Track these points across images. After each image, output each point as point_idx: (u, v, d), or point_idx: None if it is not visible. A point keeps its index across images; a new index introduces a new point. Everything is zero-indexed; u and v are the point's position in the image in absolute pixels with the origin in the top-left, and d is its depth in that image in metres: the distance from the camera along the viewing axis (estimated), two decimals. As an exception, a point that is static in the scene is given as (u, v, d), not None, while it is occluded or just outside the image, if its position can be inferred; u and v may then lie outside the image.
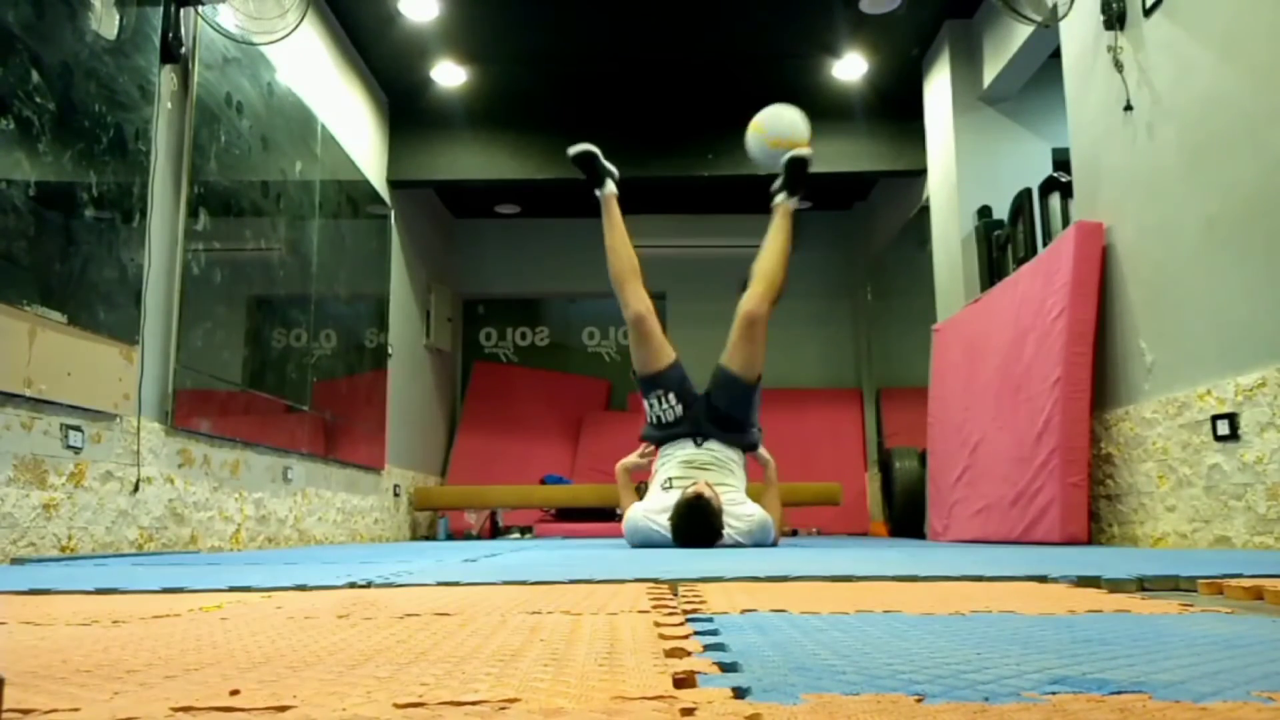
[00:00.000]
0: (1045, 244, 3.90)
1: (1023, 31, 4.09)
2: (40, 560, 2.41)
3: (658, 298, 7.36)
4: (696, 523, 3.00)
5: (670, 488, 3.23)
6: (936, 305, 5.02)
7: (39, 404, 2.44)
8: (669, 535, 3.10)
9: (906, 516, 5.10)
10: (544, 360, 7.59)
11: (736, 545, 3.09)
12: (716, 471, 3.27)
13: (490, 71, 5.28)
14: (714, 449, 3.32)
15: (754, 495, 3.33)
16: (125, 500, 2.85)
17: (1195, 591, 1.24)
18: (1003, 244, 4.33)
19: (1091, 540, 3.22)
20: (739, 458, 3.37)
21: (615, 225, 3.52)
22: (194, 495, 3.24)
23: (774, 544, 3.23)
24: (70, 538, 2.59)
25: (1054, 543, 3.13)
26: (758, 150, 3.56)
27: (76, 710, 0.47)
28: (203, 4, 3.25)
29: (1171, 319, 2.89)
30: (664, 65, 5.26)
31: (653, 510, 3.21)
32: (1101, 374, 3.25)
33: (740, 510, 3.15)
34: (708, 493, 3.05)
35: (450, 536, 6.26)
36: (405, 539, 5.77)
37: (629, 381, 7.00)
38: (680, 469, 3.29)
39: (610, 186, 3.57)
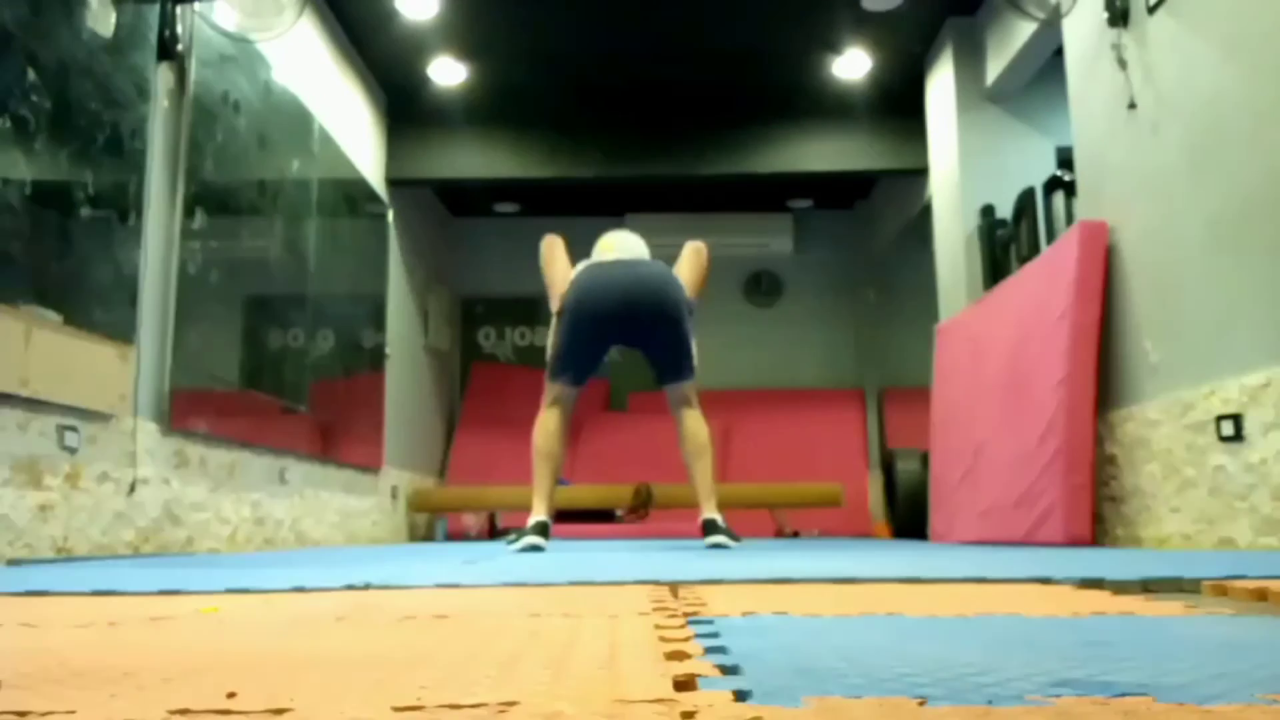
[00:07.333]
0: (1049, 243, 3.89)
1: (1026, 29, 4.09)
2: (36, 562, 2.40)
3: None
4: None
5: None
6: (939, 305, 5.02)
7: (35, 404, 2.43)
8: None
9: (909, 518, 5.10)
10: (543, 360, 7.54)
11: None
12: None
13: (489, 68, 5.27)
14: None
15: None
16: (122, 501, 2.84)
17: (1200, 593, 1.24)
18: (1006, 243, 4.32)
19: (1095, 542, 3.21)
20: None
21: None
22: (191, 496, 3.23)
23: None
24: (66, 539, 2.59)
25: (1058, 544, 3.12)
26: None
27: (73, 713, 0.47)
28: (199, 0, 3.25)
29: (1176, 319, 2.88)
30: (664, 62, 5.26)
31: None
32: (1105, 374, 3.25)
33: None
34: None
35: (449, 538, 6.25)
36: (403, 541, 5.76)
37: (628, 381, 7.02)
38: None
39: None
